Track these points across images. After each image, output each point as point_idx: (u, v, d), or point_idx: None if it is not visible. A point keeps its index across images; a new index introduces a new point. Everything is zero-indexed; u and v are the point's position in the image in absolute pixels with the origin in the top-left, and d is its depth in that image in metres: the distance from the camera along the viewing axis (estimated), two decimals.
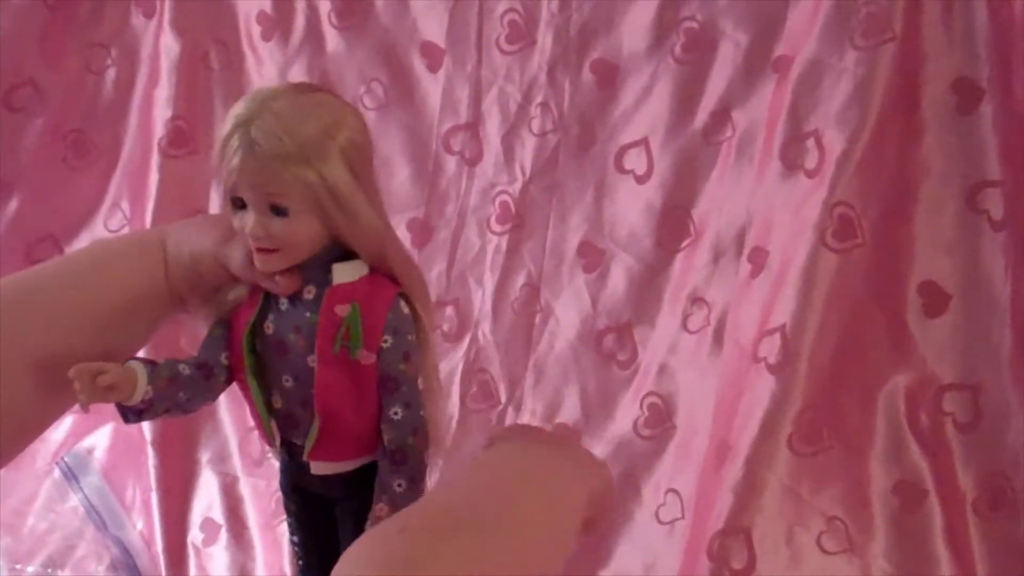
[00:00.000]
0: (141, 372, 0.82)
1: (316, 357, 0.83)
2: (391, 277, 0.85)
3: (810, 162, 1.44)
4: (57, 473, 1.85)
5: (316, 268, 0.84)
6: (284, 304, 0.85)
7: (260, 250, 0.81)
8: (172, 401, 0.85)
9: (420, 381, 0.86)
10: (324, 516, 0.93)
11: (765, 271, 1.47)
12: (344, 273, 0.84)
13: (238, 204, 0.80)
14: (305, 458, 0.87)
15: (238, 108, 0.79)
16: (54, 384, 0.82)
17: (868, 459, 1.46)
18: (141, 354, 0.87)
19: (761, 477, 1.42)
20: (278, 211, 0.78)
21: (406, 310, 0.85)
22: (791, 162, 1.46)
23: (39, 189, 1.86)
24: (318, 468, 0.88)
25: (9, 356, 0.81)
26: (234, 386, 0.90)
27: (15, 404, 0.83)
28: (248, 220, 0.80)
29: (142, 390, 0.81)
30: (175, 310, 0.93)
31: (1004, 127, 1.39)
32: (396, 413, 0.84)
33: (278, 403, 0.88)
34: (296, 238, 0.80)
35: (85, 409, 0.80)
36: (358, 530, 0.87)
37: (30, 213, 1.86)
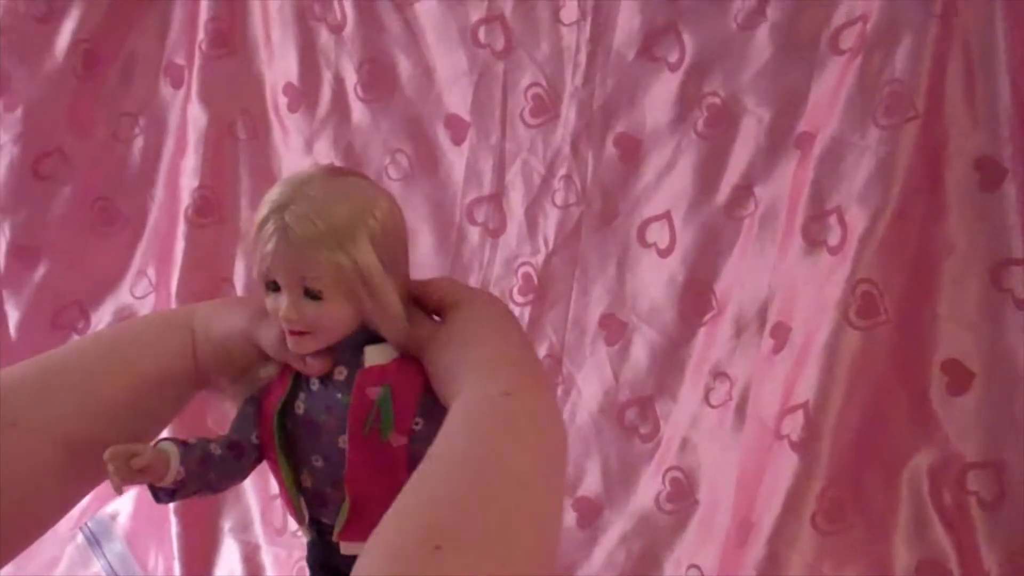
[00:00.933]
0: (173, 453, 0.82)
1: (347, 438, 0.84)
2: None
3: (833, 239, 1.44)
4: (80, 538, 1.86)
5: (348, 350, 0.85)
6: (315, 385, 0.86)
7: (293, 332, 0.82)
8: (203, 481, 0.85)
9: None
10: None
11: (788, 347, 1.46)
12: (376, 355, 0.85)
13: (272, 286, 0.81)
14: (335, 538, 0.88)
15: (273, 193, 0.80)
16: (83, 462, 0.82)
17: (891, 538, 1.45)
18: (167, 432, 0.88)
19: (784, 556, 1.41)
20: (311, 295, 0.79)
21: None
22: (813, 239, 1.46)
23: (66, 256, 1.87)
24: (348, 548, 0.88)
25: (38, 435, 0.82)
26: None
27: (44, 482, 0.83)
28: (282, 303, 0.81)
29: (174, 471, 0.82)
30: (201, 388, 0.94)
31: None
32: None
33: (307, 482, 0.89)
34: (329, 321, 0.81)
35: (119, 491, 0.80)
36: None
37: (57, 279, 1.88)
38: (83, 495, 0.93)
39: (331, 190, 0.79)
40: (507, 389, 0.77)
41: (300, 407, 0.87)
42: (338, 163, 1.77)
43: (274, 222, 0.78)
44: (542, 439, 0.76)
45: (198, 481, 0.85)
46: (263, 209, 0.80)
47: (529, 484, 0.70)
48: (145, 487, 0.85)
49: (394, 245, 0.83)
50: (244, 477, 0.91)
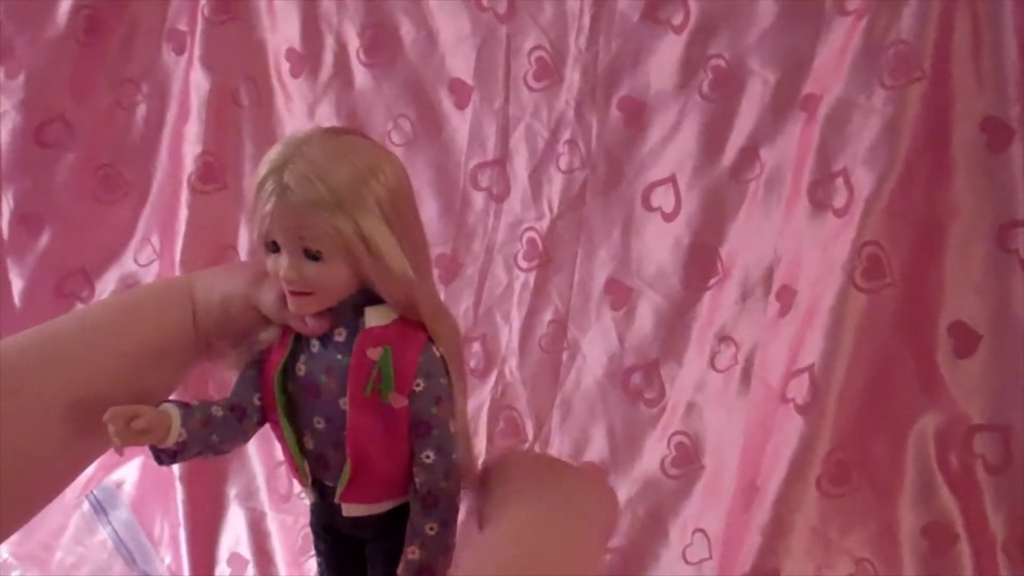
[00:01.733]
0: (175, 415, 0.82)
1: (347, 400, 0.84)
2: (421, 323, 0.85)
3: (839, 201, 1.43)
4: (86, 506, 1.86)
5: (348, 311, 0.84)
6: (315, 346, 0.86)
7: (293, 293, 0.82)
8: (205, 443, 0.85)
9: (451, 424, 0.86)
10: (354, 556, 0.94)
11: (793, 310, 1.46)
12: (376, 316, 0.84)
13: (272, 247, 0.81)
14: (337, 500, 0.88)
15: (272, 153, 0.79)
16: (86, 429, 0.82)
17: (897, 501, 1.45)
18: (173, 397, 0.88)
19: (789, 519, 1.41)
20: (312, 255, 0.79)
21: (438, 354, 0.85)
22: (819, 201, 1.45)
23: (70, 223, 1.87)
24: (349, 510, 0.88)
25: (40, 404, 0.82)
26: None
27: (48, 450, 0.83)
28: (282, 263, 0.80)
29: (176, 433, 0.82)
30: (203, 357, 0.93)
31: None
32: (428, 457, 0.85)
33: (310, 444, 0.89)
34: (329, 282, 0.81)
35: (120, 452, 0.80)
36: (388, 572, 0.88)
37: (61, 247, 1.87)
38: (87, 463, 0.93)
39: (331, 150, 0.78)
40: None
41: (301, 369, 0.87)
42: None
43: (272, 182, 0.78)
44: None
45: (200, 443, 0.85)
46: (262, 169, 0.79)
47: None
48: (148, 452, 0.85)
49: (402, 205, 0.82)
50: (247, 439, 0.91)
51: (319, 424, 0.87)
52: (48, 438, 0.82)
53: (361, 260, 0.79)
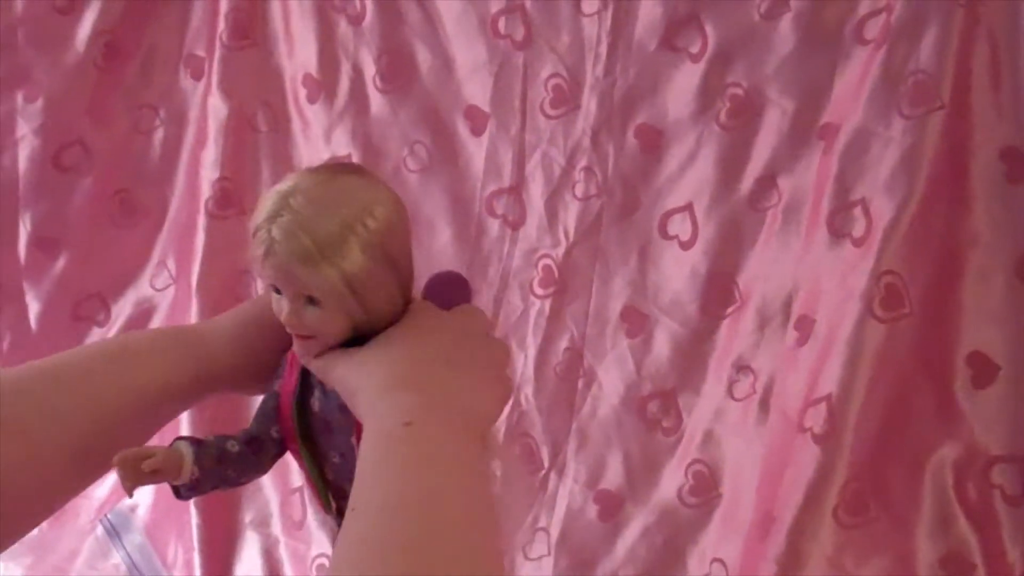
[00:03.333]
0: (187, 453, 0.81)
1: (355, 439, 0.84)
2: None
3: (857, 230, 1.43)
4: (100, 530, 1.86)
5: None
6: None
7: (296, 336, 0.82)
8: (220, 478, 0.85)
9: None
10: None
11: (811, 340, 1.45)
12: None
13: (275, 289, 0.81)
14: None
15: (265, 202, 0.79)
16: (86, 465, 0.82)
17: (915, 531, 1.44)
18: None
19: (805, 549, 1.40)
20: (311, 301, 0.79)
21: None
22: (838, 230, 1.45)
23: (87, 248, 1.87)
24: None
25: (46, 448, 0.81)
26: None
27: (50, 488, 0.83)
28: (284, 307, 0.80)
29: (188, 471, 0.81)
30: (211, 393, 0.93)
31: None
32: None
33: (330, 475, 0.88)
34: (328, 327, 0.81)
35: (129, 494, 0.79)
36: None
37: (78, 271, 1.88)
38: (83, 490, 0.93)
39: (318, 200, 0.77)
40: (408, 417, 0.75)
41: (315, 404, 0.87)
42: (356, 155, 1.77)
43: (264, 233, 0.78)
44: (451, 470, 0.73)
45: (214, 478, 0.84)
46: (256, 218, 0.79)
47: (457, 520, 0.68)
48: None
49: (393, 245, 0.81)
50: (265, 471, 0.90)
51: (335, 458, 0.87)
52: (52, 478, 0.82)
53: (349, 305, 0.79)
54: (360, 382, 0.79)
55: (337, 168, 0.83)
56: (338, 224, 0.77)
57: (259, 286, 1.79)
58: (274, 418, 0.89)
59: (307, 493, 1.75)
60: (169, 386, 0.89)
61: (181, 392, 0.90)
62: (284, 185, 0.80)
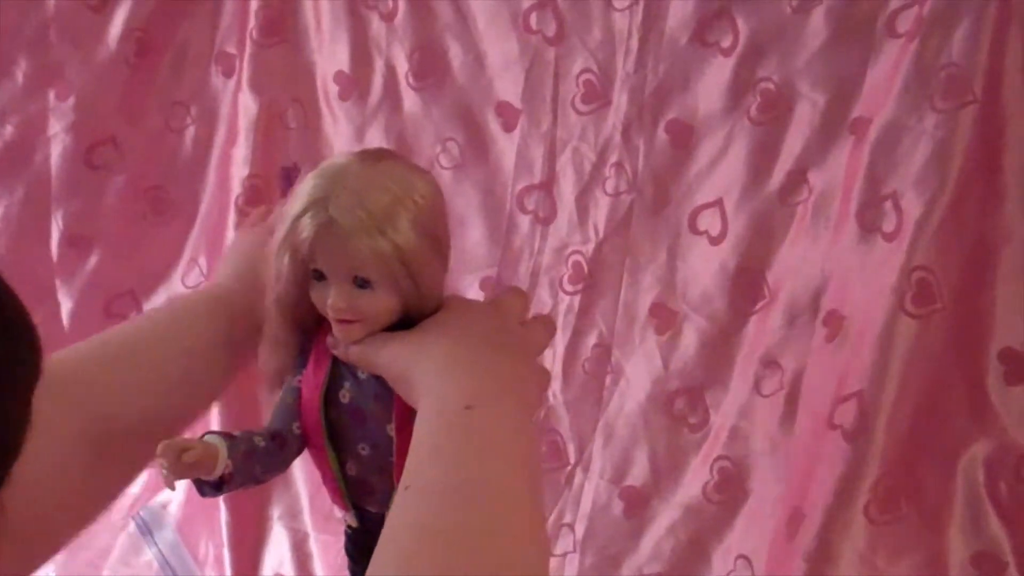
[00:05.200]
0: (222, 446, 0.83)
1: (394, 426, 0.83)
2: None
3: (888, 225, 1.41)
4: (132, 527, 1.87)
5: None
6: (363, 373, 0.86)
7: (340, 321, 0.82)
8: (248, 474, 0.86)
9: None
10: None
11: (841, 335, 1.44)
12: None
13: (316, 276, 0.81)
14: None
15: (310, 186, 0.80)
16: (111, 462, 0.83)
17: (946, 529, 1.43)
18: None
19: (836, 546, 1.39)
20: (361, 283, 0.79)
21: None
22: (868, 225, 1.43)
23: (118, 245, 1.88)
24: None
25: (66, 442, 0.82)
26: None
27: (74, 486, 0.84)
28: (329, 292, 0.80)
29: (223, 464, 0.82)
30: (240, 362, 0.93)
31: None
32: None
33: (352, 470, 0.89)
34: (377, 308, 0.82)
35: (171, 486, 0.80)
36: None
37: (109, 268, 1.88)
38: (115, 493, 0.93)
39: (369, 178, 0.80)
40: (470, 400, 0.74)
41: (346, 396, 0.87)
42: None
43: (314, 214, 0.78)
44: (511, 453, 0.73)
45: (244, 474, 0.85)
46: (300, 201, 0.80)
47: (509, 503, 0.68)
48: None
49: (437, 225, 0.83)
50: (286, 468, 0.91)
51: (364, 451, 0.87)
52: (73, 473, 0.83)
53: (403, 284, 0.80)
54: (418, 363, 0.80)
55: (379, 153, 0.85)
56: (390, 201, 0.80)
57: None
58: (294, 413, 0.89)
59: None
60: (214, 343, 0.89)
61: (225, 349, 0.91)
62: (330, 168, 0.81)
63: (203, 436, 0.84)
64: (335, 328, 0.84)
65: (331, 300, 0.81)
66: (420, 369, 0.79)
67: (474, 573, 0.61)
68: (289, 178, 1.05)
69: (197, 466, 0.80)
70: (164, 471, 0.78)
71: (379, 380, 0.84)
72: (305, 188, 0.81)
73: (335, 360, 0.87)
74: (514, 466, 0.71)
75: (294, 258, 0.81)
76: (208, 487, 0.84)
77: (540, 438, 1.67)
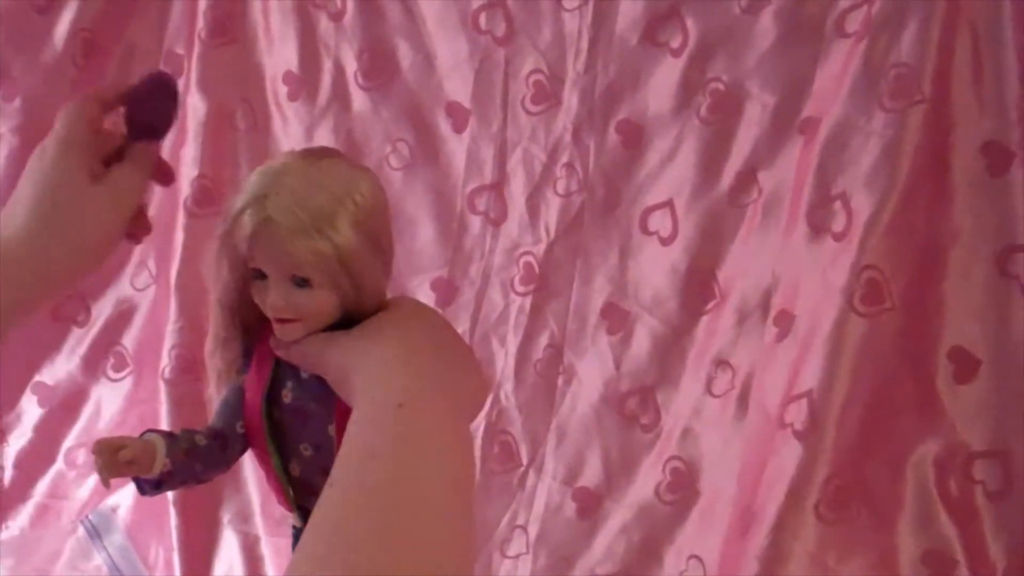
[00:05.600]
0: (160, 445, 0.82)
1: (335, 427, 0.83)
2: None
3: (837, 225, 1.42)
4: (81, 531, 1.85)
5: None
6: (305, 373, 0.85)
7: (280, 320, 0.81)
8: (189, 473, 0.85)
9: None
10: None
11: (791, 335, 1.45)
12: None
13: (258, 275, 0.80)
14: None
15: (251, 184, 0.79)
16: None
17: (897, 528, 1.44)
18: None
19: (787, 546, 1.40)
20: (300, 282, 0.78)
21: None
22: (818, 225, 1.44)
23: None
24: None
25: None
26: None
27: None
28: (269, 291, 0.80)
29: (160, 463, 0.81)
30: None
31: None
32: None
33: (296, 471, 0.88)
34: (316, 308, 0.80)
35: (106, 484, 0.79)
36: None
37: None
38: None
39: (308, 177, 0.78)
40: (401, 399, 0.74)
41: (288, 396, 0.86)
42: None
43: (253, 213, 0.77)
44: (440, 454, 0.72)
45: (184, 473, 0.84)
46: (240, 199, 0.79)
47: (433, 506, 0.67)
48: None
49: (378, 224, 0.82)
50: (229, 467, 0.90)
51: (307, 451, 0.86)
52: None
53: (340, 280, 0.79)
54: (356, 363, 0.79)
55: (320, 151, 0.83)
56: (329, 200, 0.78)
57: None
58: (238, 413, 0.88)
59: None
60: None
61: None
62: (271, 166, 0.80)
63: (143, 435, 0.83)
64: (275, 327, 0.83)
65: (270, 299, 0.80)
66: (357, 369, 0.78)
67: (387, 574, 0.60)
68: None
69: (133, 464, 0.79)
70: (99, 469, 0.77)
71: (321, 381, 0.83)
72: (246, 185, 0.80)
73: (278, 360, 0.87)
74: (442, 467, 0.70)
75: (233, 255, 0.80)
76: (148, 485, 0.84)
77: (491, 441, 1.68)
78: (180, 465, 0.83)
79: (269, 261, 0.79)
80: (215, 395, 0.91)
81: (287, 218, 0.76)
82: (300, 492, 0.89)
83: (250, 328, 0.88)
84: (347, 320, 0.83)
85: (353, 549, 0.61)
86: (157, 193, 1.85)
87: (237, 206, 0.78)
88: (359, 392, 0.76)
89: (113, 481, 0.79)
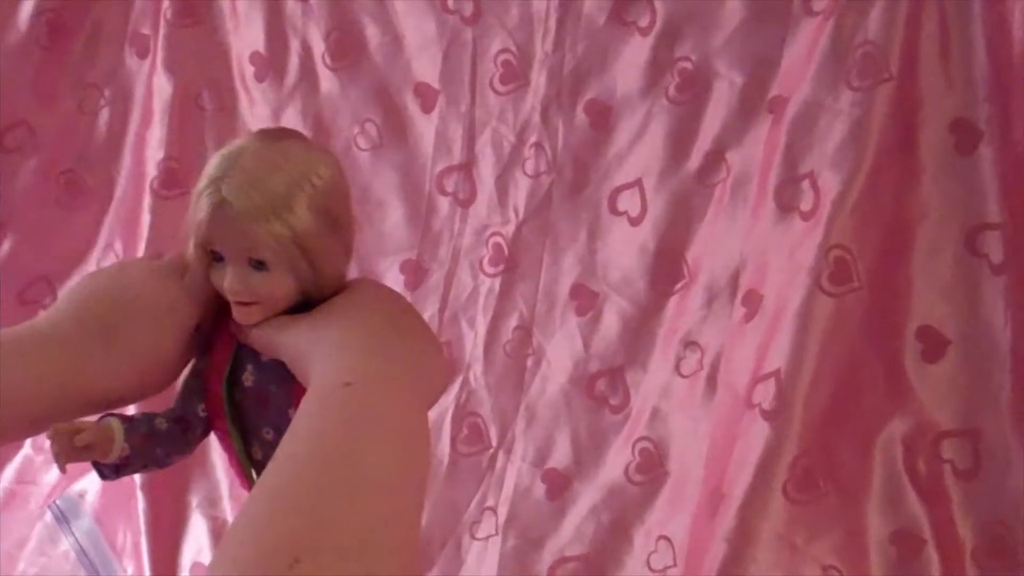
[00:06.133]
0: (118, 429, 0.81)
1: (295, 410, 0.82)
2: None
3: (805, 204, 1.41)
4: (49, 517, 1.84)
5: None
6: (265, 356, 0.84)
7: (238, 303, 0.81)
8: (149, 457, 0.85)
9: None
10: None
11: (759, 315, 1.44)
12: None
13: (215, 258, 0.80)
14: None
15: (210, 166, 0.79)
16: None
17: (865, 507, 1.43)
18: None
19: (755, 526, 1.39)
20: (257, 265, 0.78)
21: None
22: (786, 204, 1.43)
23: (32, 230, 1.85)
24: None
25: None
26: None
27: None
28: (227, 274, 0.79)
29: (119, 447, 0.81)
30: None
31: (1003, 169, 1.36)
32: None
33: (258, 454, 0.88)
34: (273, 291, 0.80)
35: (63, 470, 0.79)
36: None
37: (23, 254, 1.85)
38: None
39: (264, 159, 0.78)
40: (349, 378, 0.73)
41: (248, 379, 0.86)
42: (306, 133, 1.74)
43: (209, 195, 0.77)
44: (387, 434, 0.72)
45: (144, 457, 0.84)
46: (200, 182, 0.78)
47: (377, 481, 0.66)
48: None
49: (336, 206, 0.81)
50: (191, 451, 0.90)
51: (268, 435, 0.86)
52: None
53: (297, 263, 0.78)
54: (312, 345, 0.79)
55: (279, 132, 0.83)
56: (286, 182, 0.78)
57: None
58: (200, 396, 0.88)
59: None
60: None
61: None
62: (230, 148, 0.80)
63: (101, 418, 0.82)
64: (233, 310, 0.83)
65: (227, 282, 0.79)
66: (313, 351, 0.78)
67: (321, 544, 0.60)
68: None
69: (90, 449, 0.79)
70: (55, 454, 0.77)
71: (281, 364, 0.83)
72: (206, 167, 0.80)
73: (239, 343, 0.86)
74: (388, 445, 0.70)
75: (195, 238, 0.80)
76: (107, 470, 0.83)
77: (460, 423, 1.68)
78: (140, 449, 0.83)
79: (226, 244, 0.78)
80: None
81: (242, 200, 0.76)
82: (261, 475, 0.89)
83: (209, 311, 0.88)
84: (307, 303, 0.83)
85: (288, 516, 0.61)
86: (123, 175, 1.84)
87: (198, 188, 0.78)
88: (313, 372, 0.76)
89: (79, 465, 0.79)
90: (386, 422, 0.72)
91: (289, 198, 0.77)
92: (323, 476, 0.64)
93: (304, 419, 0.71)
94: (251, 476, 0.89)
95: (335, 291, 0.83)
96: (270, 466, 0.66)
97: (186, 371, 0.89)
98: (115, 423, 0.82)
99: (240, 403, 0.87)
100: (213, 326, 0.89)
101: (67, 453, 0.77)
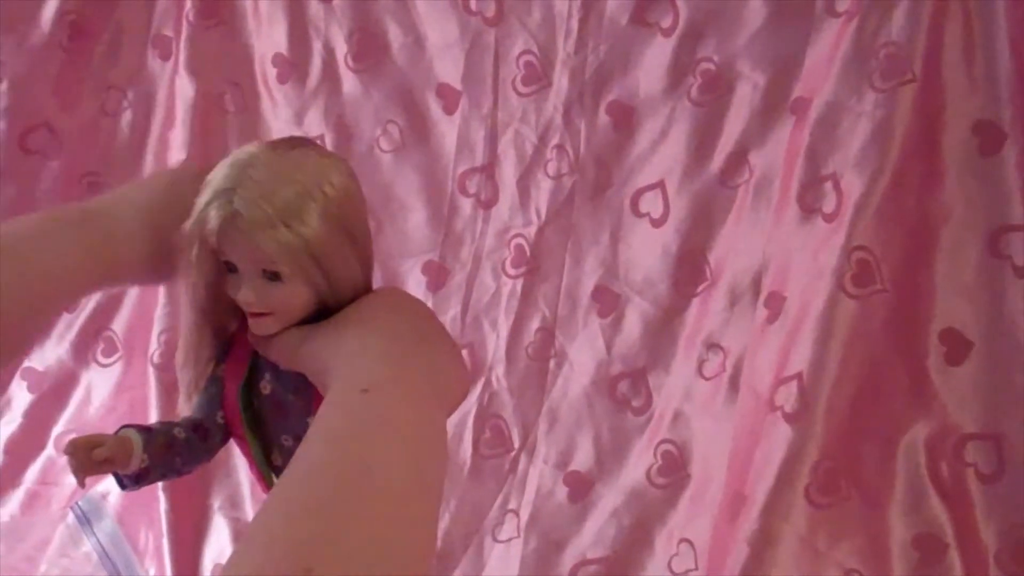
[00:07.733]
0: (136, 441, 0.80)
1: (314, 419, 0.82)
2: None
3: (828, 206, 1.41)
4: (71, 518, 1.84)
5: None
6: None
7: (253, 314, 0.80)
8: (169, 466, 0.84)
9: None
10: None
11: (782, 317, 1.44)
12: None
13: (230, 268, 0.79)
14: None
15: (217, 176, 0.77)
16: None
17: (887, 511, 1.43)
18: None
19: (777, 528, 1.39)
20: (271, 276, 0.77)
21: None
22: (809, 206, 1.43)
23: None
24: None
25: None
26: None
27: None
28: (240, 286, 0.78)
29: (138, 459, 0.80)
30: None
31: None
32: None
33: (278, 460, 0.87)
34: (288, 302, 0.79)
35: (81, 484, 0.78)
36: None
37: None
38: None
39: (275, 170, 0.76)
40: (367, 385, 0.73)
41: (266, 387, 0.85)
42: (329, 135, 1.75)
43: (219, 206, 0.76)
44: (403, 438, 0.71)
45: (163, 466, 0.83)
46: (207, 192, 0.77)
47: (393, 489, 0.66)
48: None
49: (350, 215, 0.80)
50: (211, 458, 0.89)
51: (287, 442, 0.86)
52: None
53: (311, 273, 0.78)
54: (332, 355, 0.78)
55: (292, 141, 0.82)
56: (296, 192, 0.76)
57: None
58: (218, 404, 0.87)
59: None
60: (75, 274, 0.86)
61: (85, 281, 0.87)
62: (236, 157, 0.78)
63: (119, 430, 0.81)
64: (249, 321, 0.82)
65: (241, 294, 0.78)
66: (332, 359, 0.77)
67: (335, 552, 0.59)
68: None
69: (110, 462, 0.78)
70: (73, 469, 0.76)
71: (298, 373, 0.82)
72: (214, 177, 0.78)
73: (256, 351, 0.86)
74: (404, 452, 0.69)
75: (203, 248, 0.79)
76: (127, 480, 0.82)
77: (482, 425, 1.68)
78: (159, 460, 0.82)
79: (238, 255, 0.78)
80: (184, 407, 0.90)
81: (254, 212, 0.75)
82: None
83: (225, 320, 0.87)
84: (325, 312, 0.83)
85: (304, 524, 0.61)
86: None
87: (204, 198, 0.77)
88: (331, 380, 0.75)
89: (76, 482, 0.78)
90: (403, 429, 0.71)
91: (300, 208, 0.76)
92: (338, 484, 0.64)
93: (321, 426, 0.70)
94: (271, 482, 0.89)
95: (353, 299, 0.82)
96: (286, 473, 0.66)
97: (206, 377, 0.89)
98: (133, 435, 0.81)
99: (259, 410, 0.86)
100: (230, 334, 0.88)
101: (86, 467, 0.76)
